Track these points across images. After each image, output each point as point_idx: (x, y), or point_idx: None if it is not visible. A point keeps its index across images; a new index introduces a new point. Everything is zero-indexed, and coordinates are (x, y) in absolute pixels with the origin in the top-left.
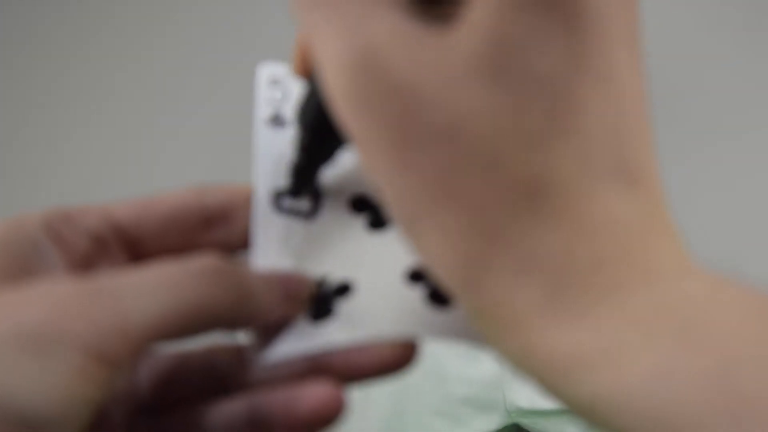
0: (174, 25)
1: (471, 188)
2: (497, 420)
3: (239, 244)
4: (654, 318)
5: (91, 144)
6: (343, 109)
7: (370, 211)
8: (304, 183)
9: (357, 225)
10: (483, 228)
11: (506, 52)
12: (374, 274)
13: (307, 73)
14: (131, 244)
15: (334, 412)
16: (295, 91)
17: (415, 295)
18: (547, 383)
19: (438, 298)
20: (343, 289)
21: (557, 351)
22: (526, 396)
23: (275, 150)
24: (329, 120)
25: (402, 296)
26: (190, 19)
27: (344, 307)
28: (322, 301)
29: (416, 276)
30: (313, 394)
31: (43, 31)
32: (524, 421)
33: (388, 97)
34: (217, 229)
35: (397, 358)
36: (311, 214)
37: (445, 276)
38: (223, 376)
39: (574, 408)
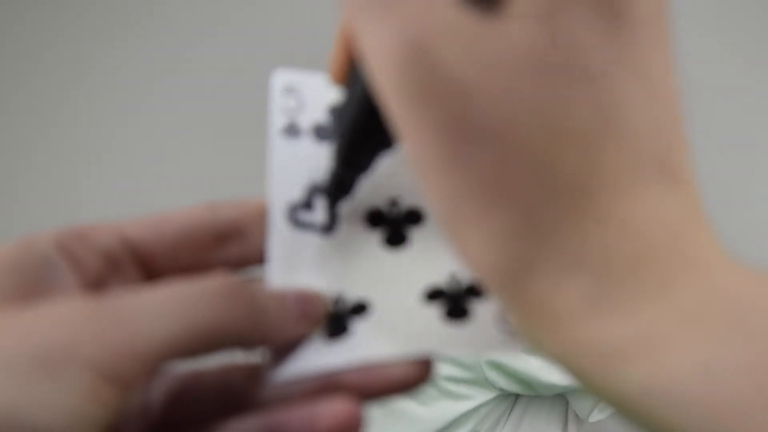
0: (184, 35)
1: (521, 187)
2: (488, 393)
3: (254, 260)
4: (701, 311)
5: (103, 161)
6: (394, 104)
7: (386, 226)
8: (342, 193)
9: (373, 240)
10: (531, 227)
11: (556, 47)
12: (391, 293)
13: (345, 76)
14: (144, 262)
15: (352, 429)
16: (311, 99)
17: (432, 313)
18: (592, 378)
19: (455, 314)
20: (360, 308)
21: (603, 344)
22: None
23: (290, 161)
24: (367, 125)
25: (419, 315)
26: (201, 28)
27: (360, 326)
28: (338, 319)
29: (434, 295)
30: (331, 410)
31: (48, 45)
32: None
33: (441, 91)
34: (230, 245)
35: (413, 376)
36: (328, 228)
37: (487, 277)
38: (236, 395)
39: (619, 403)
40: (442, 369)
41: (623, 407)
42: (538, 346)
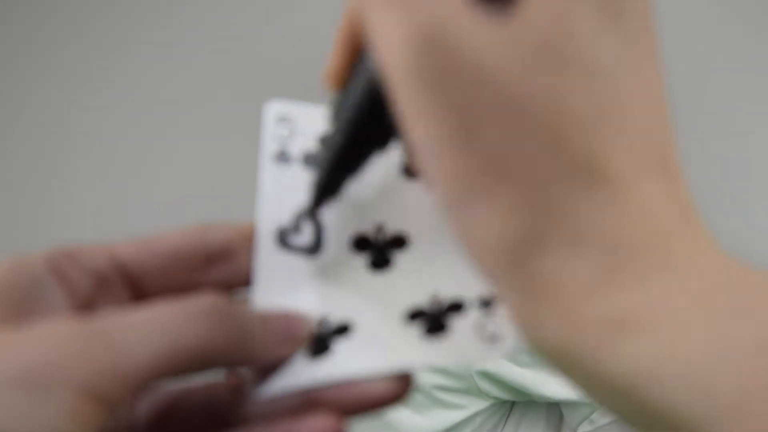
0: (173, 53)
1: (532, 164)
2: (483, 401)
3: (242, 282)
4: (708, 290)
5: (91, 183)
6: (406, 88)
7: (371, 251)
8: (330, 193)
9: (358, 264)
10: (541, 203)
11: (568, 39)
12: (374, 314)
13: (344, 74)
14: (134, 283)
15: None
16: (303, 128)
17: (413, 332)
18: (591, 359)
19: (434, 330)
20: (343, 329)
21: (609, 314)
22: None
23: (280, 186)
24: (367, 121)
25: (400, 334)
26: (191, 48)
27: (342, 346)
28: (321, 339)
29: (415, 315)
30: (313, 426)
31: (44, 52)
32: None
33: (454, 74)
34: (219, 267)
35: (392, 391)
36: (314, 251)
37: (488, 256)
38: (221, 412)
39: (616, 386)
40: (433, 379)
41: (621, 391)
42: (533, 333)
